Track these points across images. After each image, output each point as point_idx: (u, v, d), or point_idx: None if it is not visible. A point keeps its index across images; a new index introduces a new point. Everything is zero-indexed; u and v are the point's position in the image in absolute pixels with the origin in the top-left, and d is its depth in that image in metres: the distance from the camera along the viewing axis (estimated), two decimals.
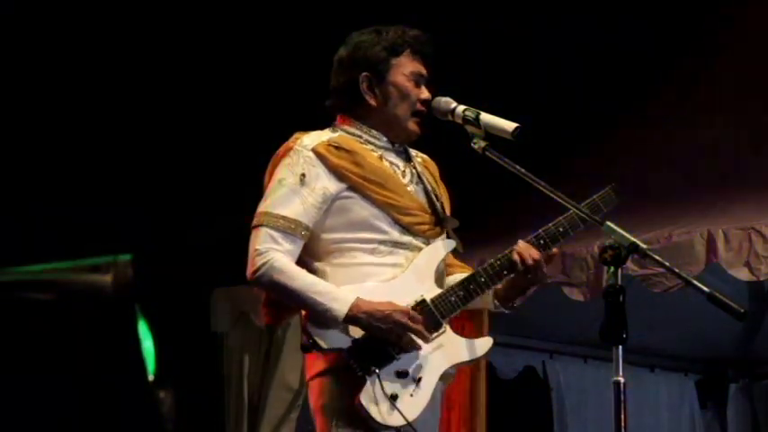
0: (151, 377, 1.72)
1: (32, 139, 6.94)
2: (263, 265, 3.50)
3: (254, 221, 3.58)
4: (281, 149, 3.68)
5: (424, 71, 3.76)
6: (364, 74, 3.70)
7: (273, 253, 3.50)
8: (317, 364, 3.55)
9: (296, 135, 3.69)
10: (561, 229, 3.71)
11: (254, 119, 7.28)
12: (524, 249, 3.65)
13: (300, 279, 3.50)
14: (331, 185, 3.59)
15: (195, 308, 6.50)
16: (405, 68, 3.72)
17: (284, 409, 6.25)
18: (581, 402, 7.29)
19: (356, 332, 3.50)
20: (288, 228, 3.54)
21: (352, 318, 3.46)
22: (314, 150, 3.62)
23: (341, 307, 3.46)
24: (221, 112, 7.41)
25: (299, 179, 3.58)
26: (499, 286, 3.72)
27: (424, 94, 3.74)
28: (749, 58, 6.74)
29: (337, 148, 3.64)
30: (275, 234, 3.53)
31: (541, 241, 3.69)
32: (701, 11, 7.15)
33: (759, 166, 6.01)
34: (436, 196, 3.77)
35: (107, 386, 1.68)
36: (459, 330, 3.72)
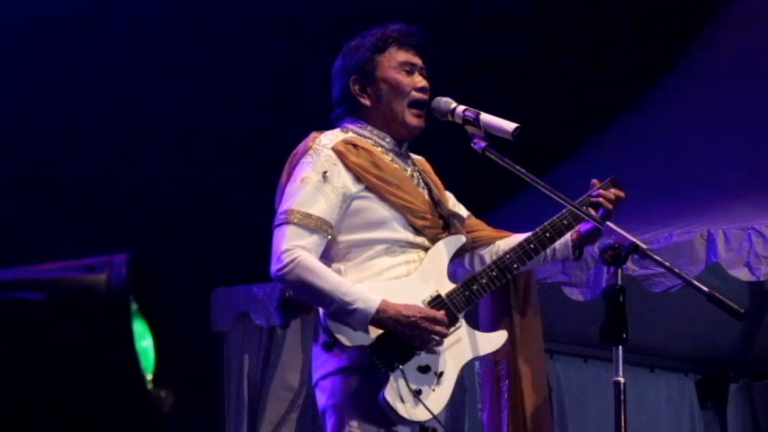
0: (150, 376, 1.71)
1: (32, 137, 6.93)
2: (291, 262, 3.46)
3: (280, 219, 3.55)
4: (300, 148, 3.67)
5: (414, 60, 3.74)
6: (353, 77, 3.71)
7: (300, 251, 3.47)
8: (330, 362, 3.53)
9: (313, 134, 3.69)
10: (566, 222, 3.71)
11: (256, 119, 7.28)
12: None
13: (328, 279, 3.47)
14: (350, 184, 3.59)
15: (195, 308, 6.50)
16: (392, 61, 3.71)
17: (284, 409, 6.25)
18: (581, 402, 7.28)
19: (377, 329, 3.49)
20: (315, 226, 3.51)
21: (377, 321, 3.45)
22: (334, 149, 3.61)
23: (368, 308, 3.44)
24: (222, 112, 7.41)
25: (322, 177, 3.56)
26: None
27: (420, 82, 3.73)
28: (750, 57, 6.74)
29: (355, 146, 3.64)
30: (302, 232, 3.50)
31: (547, 234, 3.70)
32: (701, 10, 7.16)
33: (759, 166, 6.00)
34: (439, 199, 3.78)
35: (99, 386, 1.67)
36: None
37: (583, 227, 3.75)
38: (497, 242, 3.83)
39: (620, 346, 3.21)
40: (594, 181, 3.75)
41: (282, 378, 6.27)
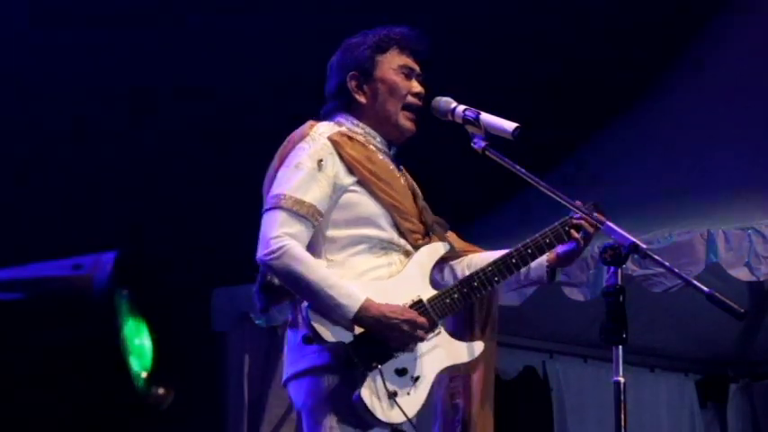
0: (145, 374, 1.71)
1: (31, 136, 6.94)
2: (280, 249, 3.45)
3: (271, 203, 3.53)
4: (296, 135, 3.66)
5: (413, 65, 3.75)
6: (352, 73, 3.71)
7: (290, 239, 3.46)
8: (306, 359, 3.53)
9: (310, 122, 3.69)
10: (548, 241, 3.68)
11: (254, 120, 7.28)
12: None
13: (315, 271, 3.46)
14: (343, 175, 3.59)
15: (195, 308, 6.49)
16: (392, 63, 3.72)
17: (284, 408, 6.24)
18: (581, 402, 7.27)
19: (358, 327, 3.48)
20: (306, 213, 3.50)
21: (359, 319, 3.45)
22: (330, 138, 3.61)
23: (352, 305, 3.43)
24: (220, 113, 7.41)
25: (318, 165, 3.55)
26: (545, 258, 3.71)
27: (416, 87, 3.74)
28: (750, 56, 6.74)
29: (351, 139, 3.64)
30: (292, 219, 3.49)
31: (529, 251, 3.67)
32: (702, 11, 7.15)
33: (759, 166, 6.00)
34: (424, 206, 3.78)
35: (85, 384, 1.67)
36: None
37: (560, 248, 3.71)
38: (469, 255, 3.82)
39: (620, 346, 3.21)
40: (578, 203, 3.70)
41: (282, 378, 6.25)
